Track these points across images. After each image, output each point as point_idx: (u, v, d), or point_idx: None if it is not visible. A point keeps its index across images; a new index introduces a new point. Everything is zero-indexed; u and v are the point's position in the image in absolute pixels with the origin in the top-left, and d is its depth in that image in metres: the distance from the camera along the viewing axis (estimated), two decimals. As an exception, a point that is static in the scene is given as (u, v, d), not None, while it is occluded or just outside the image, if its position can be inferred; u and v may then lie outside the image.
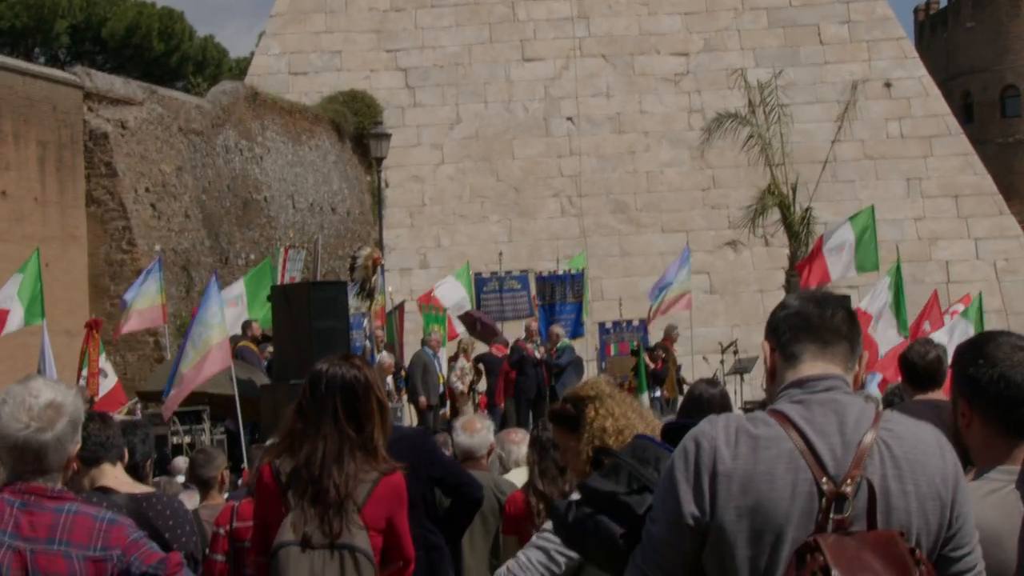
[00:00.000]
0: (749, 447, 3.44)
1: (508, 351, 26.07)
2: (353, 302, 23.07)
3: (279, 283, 24.15)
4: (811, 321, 3.66)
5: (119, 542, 4.33)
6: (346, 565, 5.87)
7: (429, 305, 27.75)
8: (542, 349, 25.89)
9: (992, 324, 22.76)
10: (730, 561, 3.41)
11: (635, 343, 28.22)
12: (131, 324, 23.02)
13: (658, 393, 26.13)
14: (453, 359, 26.51)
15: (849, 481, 3.39)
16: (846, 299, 3.80)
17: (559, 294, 29.47)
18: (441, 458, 8.04)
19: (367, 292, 23.19)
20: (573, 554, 6.00)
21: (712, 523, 3.41)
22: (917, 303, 22.87)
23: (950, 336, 16.24)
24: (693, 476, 3.45)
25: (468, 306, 28.47)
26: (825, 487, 3.39)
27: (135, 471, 6.84)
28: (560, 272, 30.55)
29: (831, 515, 3.37)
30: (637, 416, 5.84)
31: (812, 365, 3.62)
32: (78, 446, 4.49)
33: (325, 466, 5.97)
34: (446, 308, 27.82)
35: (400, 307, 27.70)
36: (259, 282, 24.20)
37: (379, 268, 23.94)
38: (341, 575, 5.86)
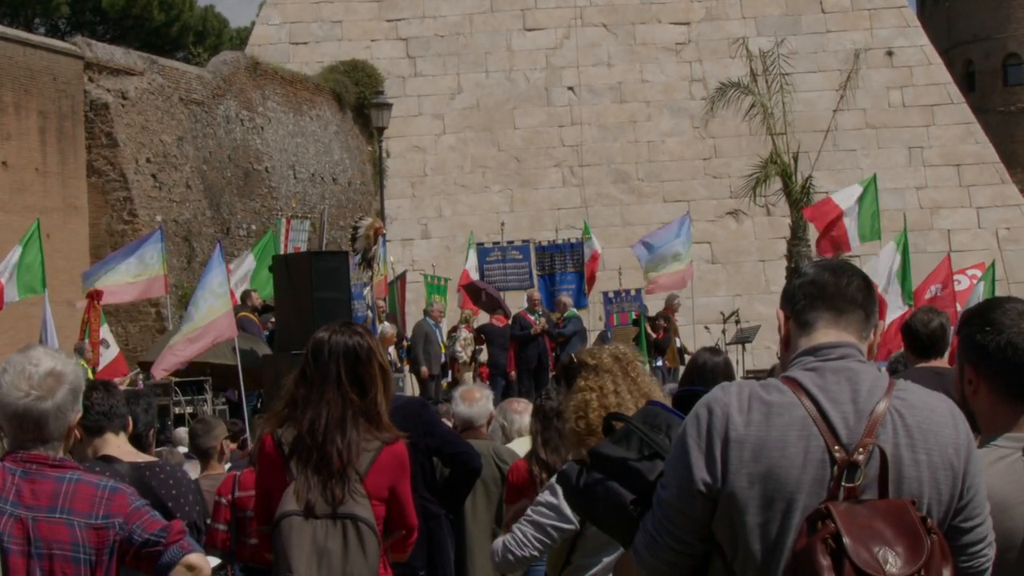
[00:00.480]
0: (762, 414, 3.42)
1: (509, 322, 26.00)
2: (355, 272, 23.08)
3: (282, 253, 24.14)
4: (826, 289, 3.64)
5: (121, 510, 4.33)
6: (348, 535, 5.87)
7: (433, 276, 27.75)
8: (543, 320, 25.81)
9: (995, 294, 22.75)
10: (740, 528, 3.40)
11: (634, 313, 28.19)
12: (127, 294, 22.81)
13: (660, 362, 26.11)
14: (454, 330, 26.53)
15: (861, 449, 3.37)
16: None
17: (559, 263, 29.44)
18: (439, 428, 8.05)
19: (367, 262, 23.20)
20: (567, 526, 5.99)
21: (723, 489, 3.40)
22: (919, 272, 22.87)
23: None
24: (705, 442, 3.43)
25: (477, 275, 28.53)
26: (837, 455, 3.37)
27: (138, 441, 6.85)
28: (559, 241, 30.48)
29: (843, 483, 3.35)
30: (633, 398, 5.69)
31: (826, 333, 3.61)
32: (79, 415, 4.48)
33: (328, 433, 5.97)
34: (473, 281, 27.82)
35: (402, 277, 27.69)
36: (266, 256, 24.17)
37: (380, 238, 23.93)
38: (344, 545, 5.86)
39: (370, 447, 6.05)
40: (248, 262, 24.93)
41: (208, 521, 8.17)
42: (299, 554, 5.83)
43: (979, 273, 22.24)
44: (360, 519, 5.89)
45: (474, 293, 27.61)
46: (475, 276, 28.21)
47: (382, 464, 6.05)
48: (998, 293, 24.02)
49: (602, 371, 5.78)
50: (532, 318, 25.61)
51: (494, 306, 26.89)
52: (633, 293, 28.86)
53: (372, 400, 6.10)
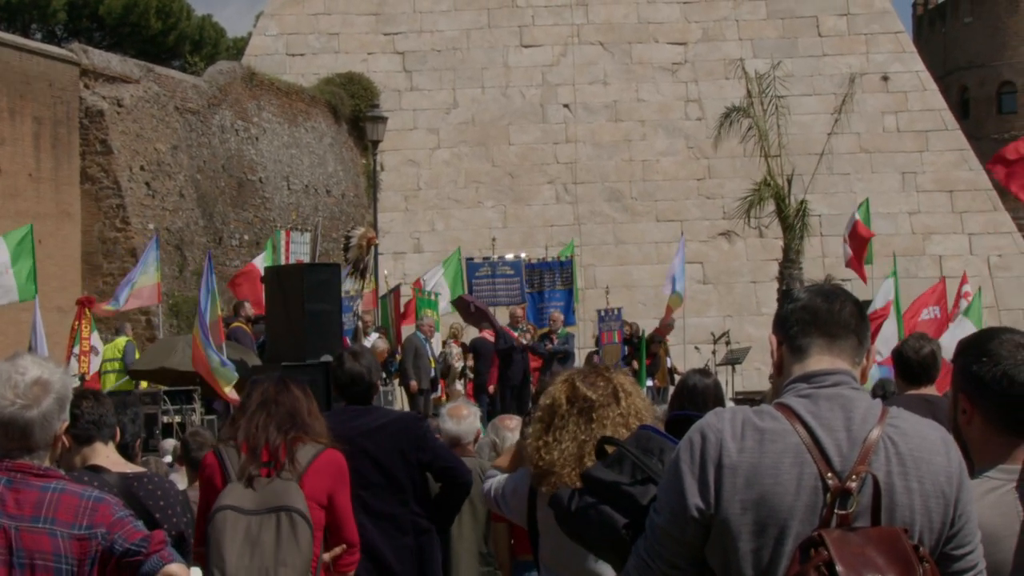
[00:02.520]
0: (755, 440, 3.41)
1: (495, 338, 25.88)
2: (347, 283, 23.04)
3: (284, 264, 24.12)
4: (819, 315, 3.63)
5: (104, 520, 4.31)
6: (282, 525, 6.03)
7: (421, 290, 27.68)
8: (528, 336, 25.75)
9: (985, 321, 22.78)
10: (733, 554, 3.39)
11: (617, 335, 28.10)
12: (127, 304, 22.92)
13: (650, 383, 26.10)
14: (443, 344, 26.48)
15: (854, 477, 3.37)
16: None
17: (548, 281, 29.36)
18: (431, 442, 8.05)
19: (360, 271, 23.15)
20: None
21: (716, 515, 3.40)
22: (910, 297, 22.91)
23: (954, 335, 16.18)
24: (699, 468, 3.43)
25: (445, 287, 28.42)
26: (830, 482, 3.36)
27: (124, 450, 6.81)
28: (549, 259, 30.41)
29: (835, 510, 3.35)
30: (574, 443, 5.35)
31: (819, 359, 3.59)
32: (65, 424, 4.46)
33: (268, 432, 6.28)
34: (427, 291, 27.76)
35: (396, 291, 27.58)
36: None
37: (373, 248, 23.89)
38: (276, 535, 6.01)
39: (311, 447, 6.29)
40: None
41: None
42: (231, 545, 5.98)
43: (965, 302, 22.32)
44: (293, 510, 6.04)
45: (463, 307, 27.53)
46: (426, 286, 28.15)
47: (321, 465, 6.27)
48: (989, 321, 24.07)
49: (556, 416, 5.46)
50: (515, 334, 25.50)
51: (482, 319, 26.80)
52: (615, 312, 28.78)
53: (301, 418, 6.38)
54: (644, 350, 26.18)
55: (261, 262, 25.35)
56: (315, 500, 6.16)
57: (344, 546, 6.44)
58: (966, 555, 3.49)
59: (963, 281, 23.36)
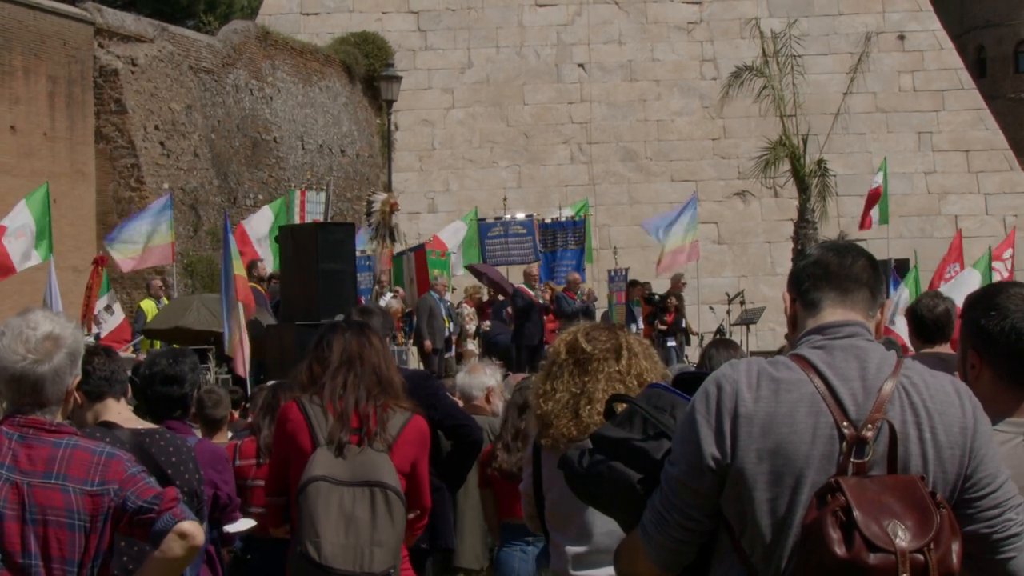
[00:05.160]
0: (771, 390, 3.43)
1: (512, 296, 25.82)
2: (367, 245, 23.07)
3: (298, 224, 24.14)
4: (830, 269, 3.65)
5: (116, 476, 4.30)
6: (376, 501, 5.90)
7: (434, 250, 27.65)
8: (548, 295, 25.68)
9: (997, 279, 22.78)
10: (749, 503, 3.42)
11: (617, 296, 28.15)
12: (142, 262, 23.02)
13: (672, 343, 26.12)
14: (457, 305, 26.49)
15: (870, 425, 3.38)
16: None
17: (560, 241, 29.31)
18: (443, 400, 8.05)
19: (385, 235, 23.20)
20: None
21: (732, 465, 3.41)
22: (926, 256, 22.93)
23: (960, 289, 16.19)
24: (715, 418, 3.45)
25: (460, 248, 28.43)
26: (846, 431, 3.38)
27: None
28: (562, 219, 30.32)
29: (852, 459, 3.36)
30: (569, 395, 5.36)
31: (833, 312, 3.61)
32: (77, 379, 4.44)
33: (357, 394, 6.10)
34: (449, 252, 27.74)
35: (419, 250, 27.48)
36: (275, 228, 24.21)
37: (396, 213, 23.95)
38: (372, 511, 5.89)
39: (399, 416, 6.15)
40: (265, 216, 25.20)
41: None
42: (326, 520, 5.86)
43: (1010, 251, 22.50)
44: (388, 487, 5.95)
45: (476, 276, 27.53)
46: (449, 246, 28.13)
47: (409, 434, 6.16)
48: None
49: (553, 364, 5.50)
50: (532, 293, 25.43)
51: (496, 288, 26.80)
52: (623, 273, 28.78)
53: (387, 378, 6.21)
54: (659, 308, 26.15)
55: (258, 220, 25.45)
56: (401, 471, 6.07)
57: (418, 512, 6.37)
58: (988, 494, 3.49)
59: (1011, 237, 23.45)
